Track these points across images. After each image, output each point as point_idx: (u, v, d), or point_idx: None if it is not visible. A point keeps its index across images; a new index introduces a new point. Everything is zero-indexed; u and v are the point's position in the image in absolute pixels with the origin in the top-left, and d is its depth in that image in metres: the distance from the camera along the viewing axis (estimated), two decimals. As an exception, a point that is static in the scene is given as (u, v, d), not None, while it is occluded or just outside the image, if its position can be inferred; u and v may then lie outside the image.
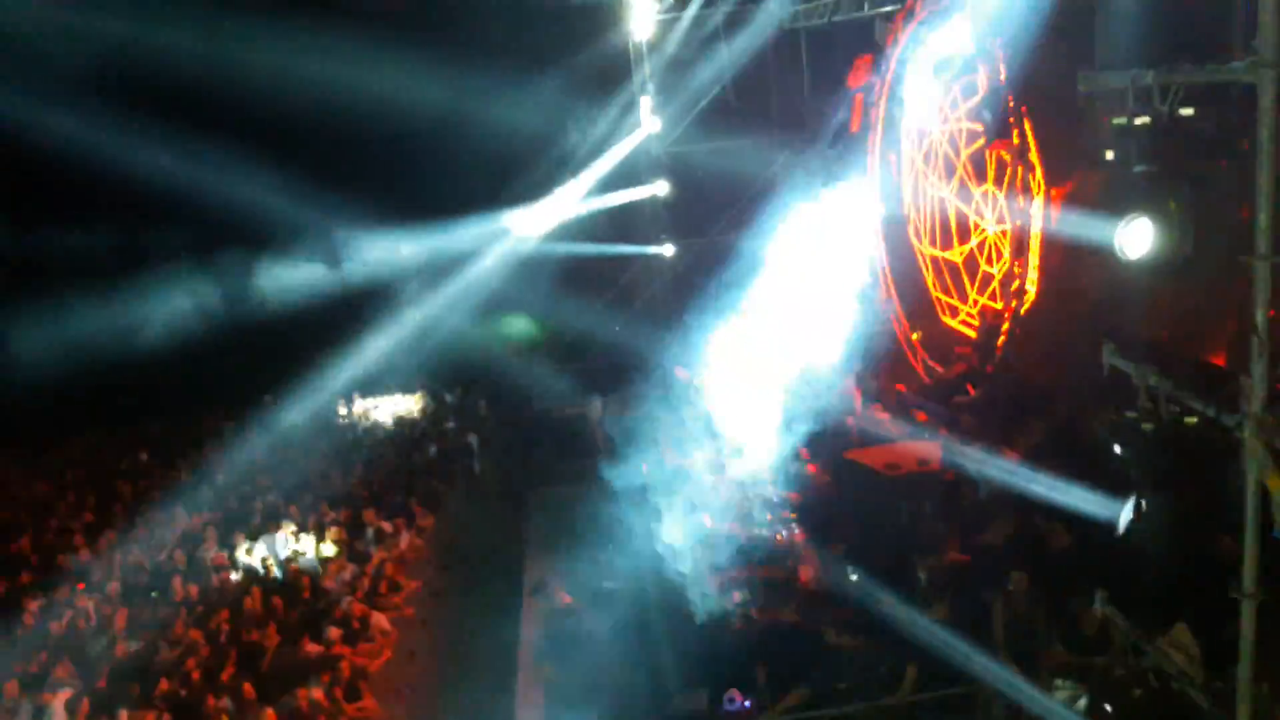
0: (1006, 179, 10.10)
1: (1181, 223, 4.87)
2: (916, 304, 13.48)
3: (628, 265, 19.50)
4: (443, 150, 18.36)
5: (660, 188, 18.75)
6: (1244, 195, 4.92)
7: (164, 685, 9.19)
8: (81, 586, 11.35)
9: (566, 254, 19.19)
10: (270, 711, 8.40)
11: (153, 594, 11.26)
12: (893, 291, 14.14)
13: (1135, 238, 5.21)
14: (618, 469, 14.59)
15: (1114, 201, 5.28)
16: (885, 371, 13.63)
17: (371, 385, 18.77)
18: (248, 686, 8.87)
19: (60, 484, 15.46)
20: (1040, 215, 9.81)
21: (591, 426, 16.90)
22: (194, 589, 11.21)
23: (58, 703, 8.74)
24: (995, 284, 10.96)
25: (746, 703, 7.69)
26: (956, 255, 12.32)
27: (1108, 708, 5.56)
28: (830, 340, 13.75)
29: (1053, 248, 9.60)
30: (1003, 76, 9.62)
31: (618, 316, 18.89)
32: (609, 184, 18.88)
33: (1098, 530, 7.17)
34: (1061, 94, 7.85)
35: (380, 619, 10.45)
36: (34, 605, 10.88)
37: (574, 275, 19.19)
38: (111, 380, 18.22)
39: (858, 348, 14.19)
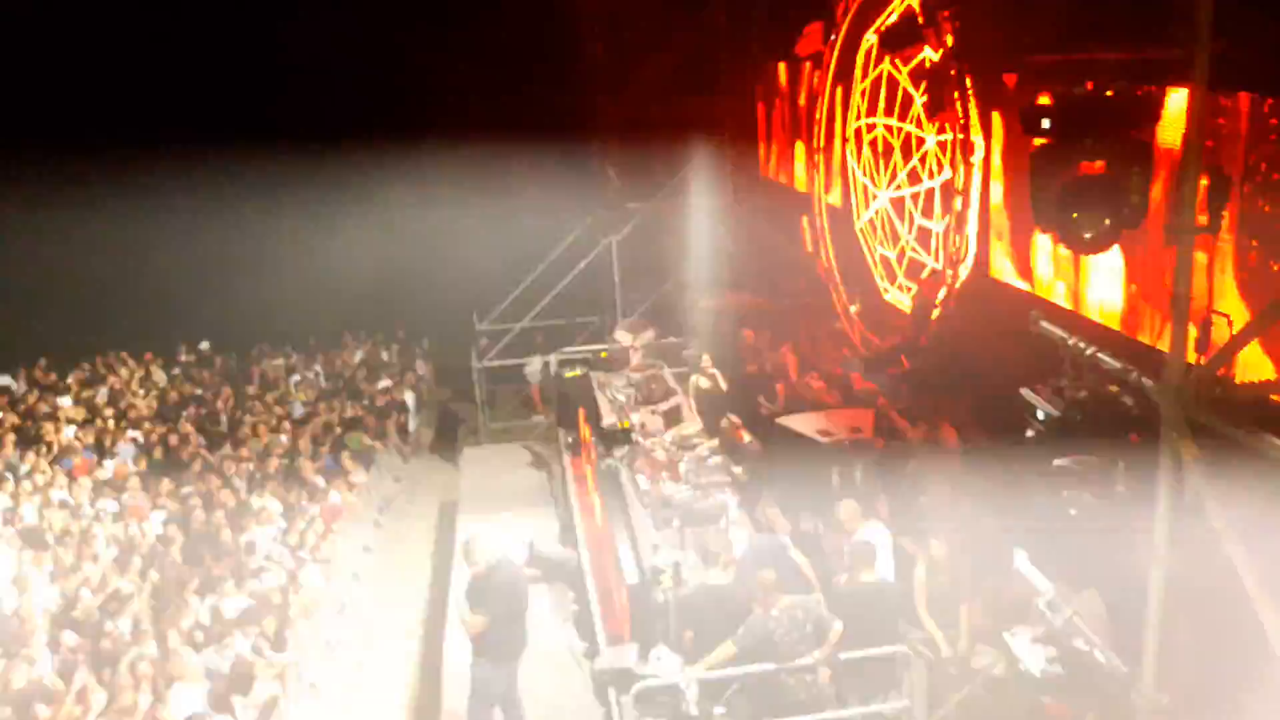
0: (947, 152, 10.20)
1: (1139, 193, 4.97)
2: (855, 276, 13.60)
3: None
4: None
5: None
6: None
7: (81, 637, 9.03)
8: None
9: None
10: (196, 658, 8.29)
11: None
12: (832, 262, 14.25)
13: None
14: (553, 431, 14.62)
15: (1052, 175, 5.37)
16: (823, 340, 13.78)
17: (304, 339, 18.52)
18: (173, 636, 8.73)
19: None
20: (978, 190, 9.94)
21: (530, 385, 16.85)
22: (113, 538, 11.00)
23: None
24: (932, 254, 11.09)
25: (675, 660, 7.77)
26: (895, 227, 12.44)
27: (1023, 667, 5.75)
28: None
29: (988, 221, 9.74)
30: (948, 48, 9.68)
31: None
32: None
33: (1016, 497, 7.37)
34: (1005, 65, 7.95)
35: (309, 571, 10.34)
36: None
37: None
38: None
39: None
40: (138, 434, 14.42)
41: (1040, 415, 5.31)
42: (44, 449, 13.76)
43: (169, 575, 10.17)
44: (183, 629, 9.09)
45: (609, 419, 12.30)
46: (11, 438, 14.16)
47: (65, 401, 15.90)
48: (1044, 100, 5.59)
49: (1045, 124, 5.30)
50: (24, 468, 13.08)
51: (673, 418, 12.16)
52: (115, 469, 13.04)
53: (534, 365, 17.17)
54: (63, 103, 18.71)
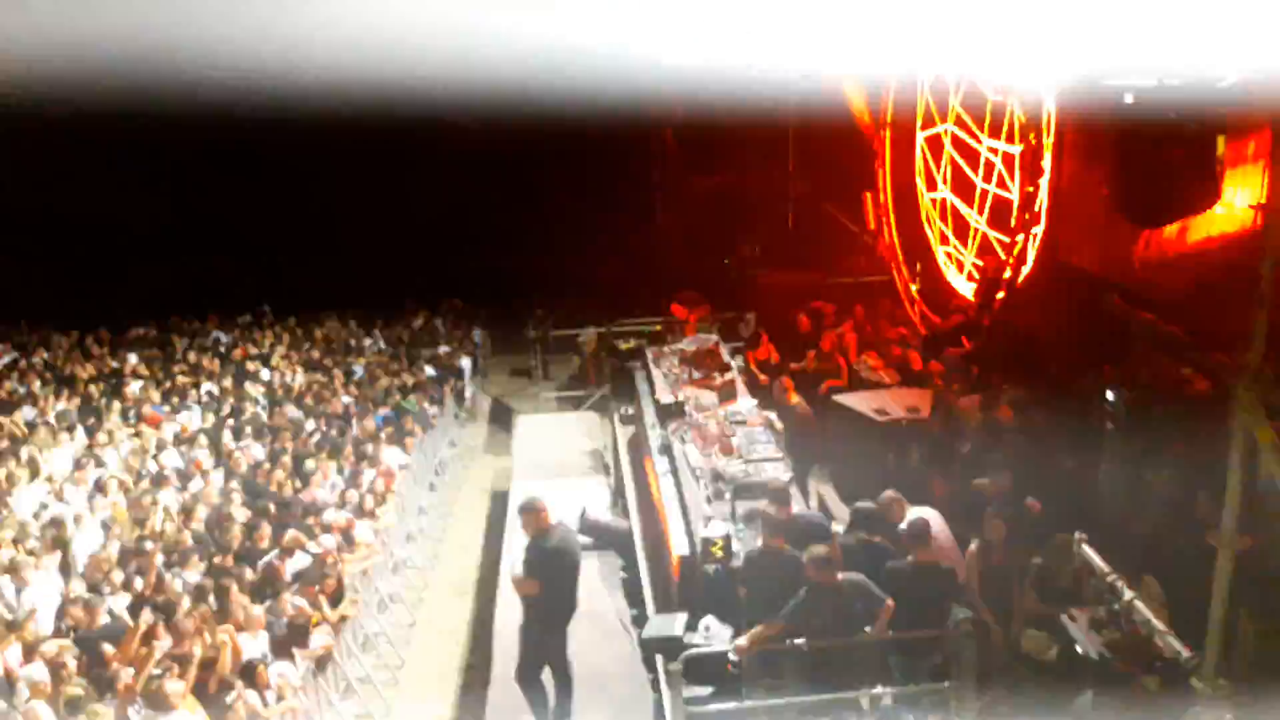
0: (1019, 132, 9.98)
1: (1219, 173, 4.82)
2: (917, 255, 13.44)
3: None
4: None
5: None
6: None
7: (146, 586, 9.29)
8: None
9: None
10: (257, 610, 8.50)
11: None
12: (894, 241, 14.08)
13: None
14: (606, 401, 14.69)
15: (1131, 151, 5.23)
16: (881, 319, 13.64)
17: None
18: (234, 589, 8.94)
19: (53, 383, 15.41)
20: (1049, 168, 9.72)
21: (585, 355, 16.92)
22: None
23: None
24: (1000, 234, 10.89)
25: (723, 630, 7.78)
26: (962, 208, 12.23)
27: (1079, 649, 5.65)
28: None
29: (1059, 200, 9.53)
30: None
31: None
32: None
33: (1078, 479, 7.24)
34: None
35: (365, 530, 10.53)
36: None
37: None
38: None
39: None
40: (208, 389, 14.78)
41: (1109, 397, 5.19)
42: (115, 403, 14.16)
43: (230, 530, 10.41)
44: (243, 582, 9.31)
45: (662, 392, 12.31)
46: (85, 391, 14.62)
47: (132, 358, 16.33)
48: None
49: (1127, 100, 5.16)
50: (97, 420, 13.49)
51: (726, 392, 12.12)
52: (181, 425, 13.38)
53: (588, 335, 17.23)
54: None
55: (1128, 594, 5.50)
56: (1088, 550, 5.96)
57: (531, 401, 16.62)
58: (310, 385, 14.87)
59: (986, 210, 11.08)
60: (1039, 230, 9.69)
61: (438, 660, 9.83)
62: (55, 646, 7.89)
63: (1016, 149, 9.92)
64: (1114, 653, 5.36)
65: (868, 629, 7.33)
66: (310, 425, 13.27)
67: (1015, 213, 9.98)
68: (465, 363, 16.73)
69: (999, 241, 10.70)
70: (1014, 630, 7.56)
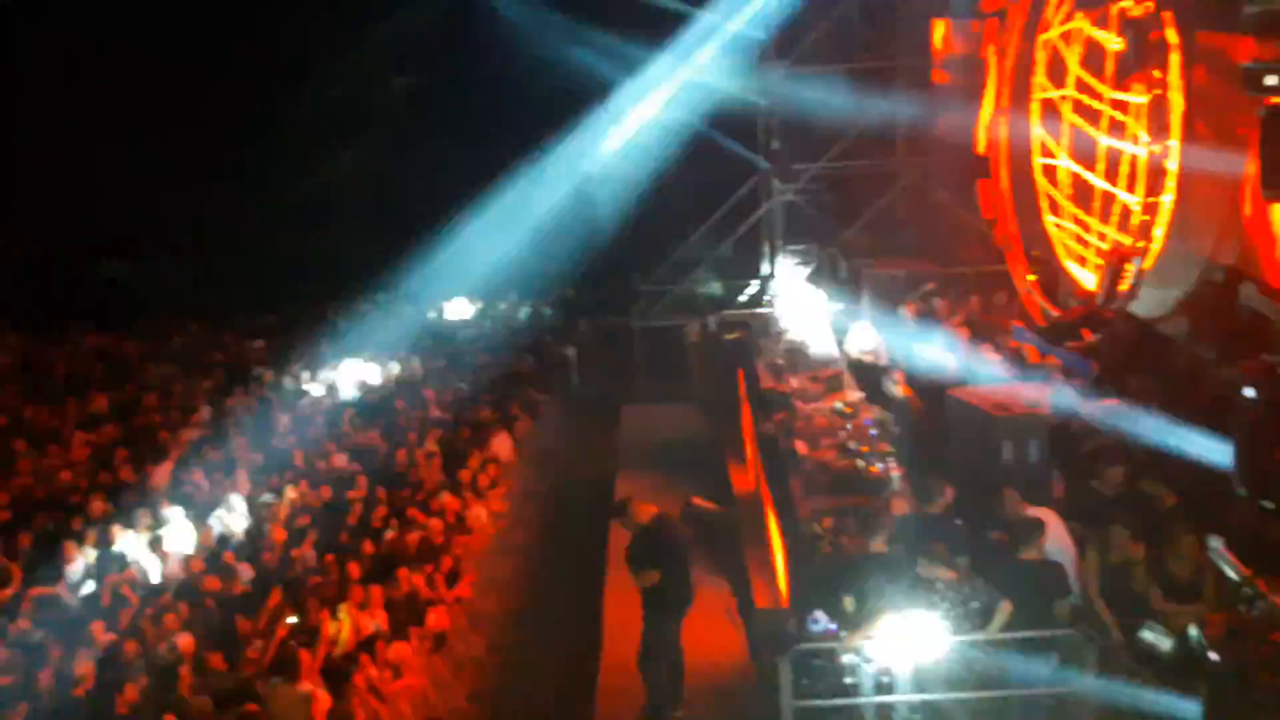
0: (1144, 115, 9.56)
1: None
2: (1035, 244, 13.00)
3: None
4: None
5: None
6: None
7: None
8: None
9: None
10: (376, 589, 8.82)
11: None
12: (1011, 230, 13.65)
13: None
14: (711, 392, 14.71)
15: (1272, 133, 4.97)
16: (999, 311, 13.27)
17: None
18: (353, 566, 9.30)
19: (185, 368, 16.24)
20: (1177, 155, 9.29)
21: (689, 346, 16.94)
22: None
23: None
24: (1128, 224, 10.47)
25: (832, 625, 7.73)
26: (1083, 193, 11.80)
27: (1214, 656, 5.40)
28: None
29: (1191, 188, 9.10)
30: (1152, 2, 9.05)
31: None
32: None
33: (1211, 478, 6.94)
34: (1218, 17, 7.39)
35: (479, 512, 10.81)
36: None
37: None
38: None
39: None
40: (327, 374, 15.38)
41: (1248, 394, 4.96)
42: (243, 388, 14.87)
43: (349, 511, 10.82)
44: (362, 560, 9.67)
45: (767, 383, 12.26)
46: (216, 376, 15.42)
47: (258, 344, 17.12)
48: (1270, 56, 5.17)
49: (1271, 81, 4.89)
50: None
51: (832, 384, 11.99)
52: (302, 408, 13.96)
53: (692, 326, 17.26)
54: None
55: (1264, 601, 5.24)
56: (1221, 554, 5.70)
57: (635, 392, 16.72)
58: (426, 373, 15.32)
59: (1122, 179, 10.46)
60: (1169, 200, 9.19)
61: (547, 644, 10.02)
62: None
63: (1143, 99, 9.33)
64: (1250, 662, 5.13)
65: (984, 629, 7.20)
66: (425, 411, 13.67)
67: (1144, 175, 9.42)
68: (571, 351, 16.97)
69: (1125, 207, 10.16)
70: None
